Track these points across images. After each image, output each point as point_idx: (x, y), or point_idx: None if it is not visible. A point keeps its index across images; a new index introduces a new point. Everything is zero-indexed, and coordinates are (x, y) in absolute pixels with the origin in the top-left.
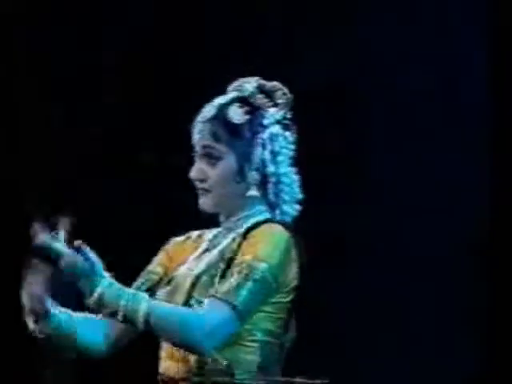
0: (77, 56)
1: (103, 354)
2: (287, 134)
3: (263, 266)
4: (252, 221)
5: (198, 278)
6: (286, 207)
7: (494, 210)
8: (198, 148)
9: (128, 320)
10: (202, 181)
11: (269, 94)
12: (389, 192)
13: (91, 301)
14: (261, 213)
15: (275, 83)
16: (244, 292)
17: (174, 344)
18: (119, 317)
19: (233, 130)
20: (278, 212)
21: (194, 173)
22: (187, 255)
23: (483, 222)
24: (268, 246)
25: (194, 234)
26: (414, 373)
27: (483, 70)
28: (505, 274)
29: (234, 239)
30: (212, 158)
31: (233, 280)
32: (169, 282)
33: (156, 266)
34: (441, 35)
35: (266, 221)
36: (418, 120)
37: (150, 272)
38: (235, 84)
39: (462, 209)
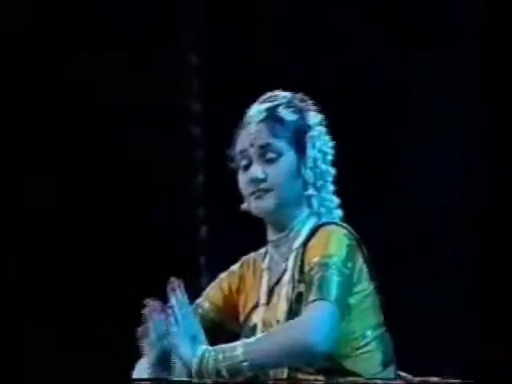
0: None
1: None
2: (328, 137)
3: (334, 259)
4: (304, 232)
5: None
6: (333, 208)
7: None
8: (253, 150)
9: (233, 371)
10: (262, 180)
11: (302, 100)
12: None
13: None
14: (308, 219)
15: (301, 94)
16: (330, 286)
17: (287, 362)
18: (224, 373)
19: (287, 126)
20: (323, 211)
21: (253, 174)
22: (251, 291)
23: None
24: (332, 242)
25: (247, 260)
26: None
27: None
28: None
29: (295, 258)
30: (272, 155)
31: (314, 284)
32: (251, 329)
33: (204, 300)
34: None
35: (318, 227)
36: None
37: (197, 305)
38: (266, 95)
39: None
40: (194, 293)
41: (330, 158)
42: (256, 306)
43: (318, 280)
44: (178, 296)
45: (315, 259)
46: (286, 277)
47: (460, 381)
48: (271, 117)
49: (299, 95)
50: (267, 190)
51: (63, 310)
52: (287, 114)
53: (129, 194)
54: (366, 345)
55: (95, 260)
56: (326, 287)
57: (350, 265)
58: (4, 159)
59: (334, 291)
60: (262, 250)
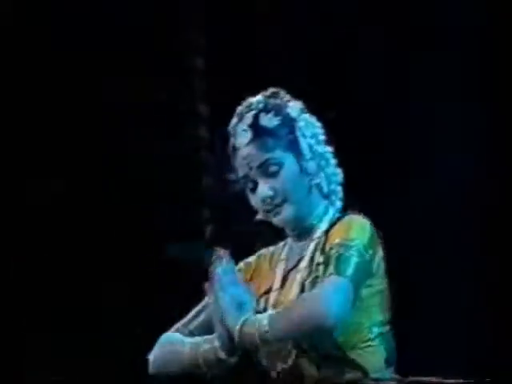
0: None
1: None
2: (314, 119)
3: (355, 242)
4: (324, 224)
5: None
6: (335, 187)
7: None
8: (253, 172)
9: (262, 341)
10: (273, 197)
11: (275, 96)
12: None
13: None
14: (327, 210)
15: (272, 89)
16: (347, 265)
17: (303, 333)
18: (258, 341)
19: (274, 135)
20: (331, 194)
21: (262, 194)
22: (265, 278)
23: None
24: (354, 228)
25: (264, 252)
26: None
27: None
28: None
29: (316, 245)
30: (273, 168)
31: (331, 262)
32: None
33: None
34: None
35: (341, 216)
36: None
37: None
38: (242, 107)
39: None
40: (197, 294)
41: (322, 137)
42: (269, 291)
43: (336, 259)
44: (223, 263)
45: (336, 240)
46: (304, 263)
47: (454, 381)
48: (256, 133)
49: (271, 91)
50: (281, 203)
51: (63, 310)
52: (269, 121)
53: (129, 193)
54: (372, 340)
55: (95, 260)
56: (344, 265)
57: (370, 252)
58: (4, 159)
59: (350, 269)
60: (281, 244)
